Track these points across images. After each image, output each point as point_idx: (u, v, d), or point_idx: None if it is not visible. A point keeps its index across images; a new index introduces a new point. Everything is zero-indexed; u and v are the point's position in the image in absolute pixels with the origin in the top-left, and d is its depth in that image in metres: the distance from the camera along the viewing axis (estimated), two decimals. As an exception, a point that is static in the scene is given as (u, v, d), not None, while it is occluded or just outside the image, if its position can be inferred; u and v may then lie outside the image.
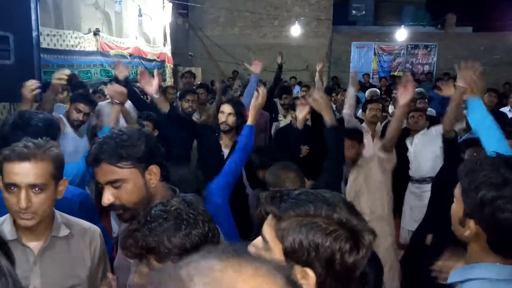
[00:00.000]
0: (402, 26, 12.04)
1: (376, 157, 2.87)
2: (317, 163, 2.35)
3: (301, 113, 2.76)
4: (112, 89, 2.68)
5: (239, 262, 0.47)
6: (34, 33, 3.27)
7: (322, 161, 2.18)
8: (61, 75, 2.84)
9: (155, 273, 0.49)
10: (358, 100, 4.49)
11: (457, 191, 1.14)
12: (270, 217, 0.88)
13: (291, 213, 0.84)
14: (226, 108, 2.97)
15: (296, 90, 9.48)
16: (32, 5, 3.24)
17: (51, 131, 1.91)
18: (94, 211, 1.93)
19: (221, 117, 2.99)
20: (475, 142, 2.39)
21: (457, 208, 1.14)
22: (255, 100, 2.55)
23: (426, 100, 5.30)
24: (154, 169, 1.32)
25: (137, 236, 1.01)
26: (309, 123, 3.82)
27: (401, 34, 11.92)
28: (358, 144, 2.95)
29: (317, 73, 5.17)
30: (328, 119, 2.17)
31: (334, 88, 8.41)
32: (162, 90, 5.46)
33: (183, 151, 3.55)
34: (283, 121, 4.96)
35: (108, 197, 1.26)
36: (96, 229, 1.54)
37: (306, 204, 0.84)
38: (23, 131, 1.78)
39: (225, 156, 2.94)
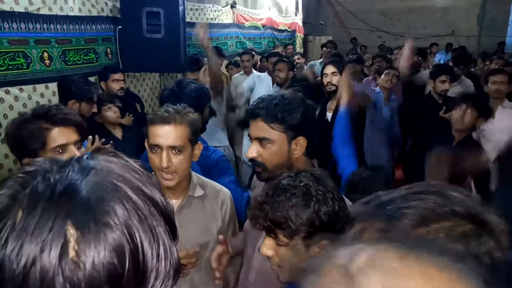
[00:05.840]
0: None
1: None
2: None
3: None
4: None
5: (420, 255, 0.40)
6: (181, 8, 3.55)
7: None
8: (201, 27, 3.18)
9: (313, 262, 0.44)
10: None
11: None
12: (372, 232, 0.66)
13: (404, 223, 0.61)
14: (329, 69, 3.00)
15: (437, 58, 8.61)
16: (179, -19, 3.50)
17: (201, 100, 2.14)
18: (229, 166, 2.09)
19: (325, 79, 3.01)
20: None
21: None
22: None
23: None
24: (301, 140, 1.35)
25: (265, 209, 1.00)
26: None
27: None
28: None
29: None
30: None
31: (494, 54, 7.13)
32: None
33: None
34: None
35: (252, 151, 1.35)
36: (227, 191, 1.65)
37: (415, 207, 0.62)
38: (178, 97, 2.00)
39: (329, 120, 2.89)
